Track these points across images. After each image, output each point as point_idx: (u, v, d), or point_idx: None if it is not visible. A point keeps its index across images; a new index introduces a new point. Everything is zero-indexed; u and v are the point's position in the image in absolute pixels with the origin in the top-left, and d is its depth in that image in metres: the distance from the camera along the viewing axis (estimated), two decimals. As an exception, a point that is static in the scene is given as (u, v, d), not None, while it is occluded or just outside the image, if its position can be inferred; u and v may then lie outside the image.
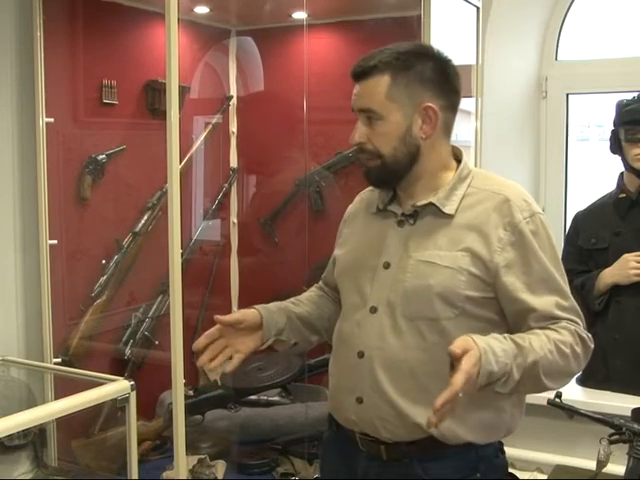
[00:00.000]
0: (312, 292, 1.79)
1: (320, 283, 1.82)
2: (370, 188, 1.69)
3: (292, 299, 1.73)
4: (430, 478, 1.50)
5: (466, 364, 1.27)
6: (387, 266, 1.53)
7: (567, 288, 1.50)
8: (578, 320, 1.48)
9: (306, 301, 1.74)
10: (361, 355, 1.52)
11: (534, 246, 1.46)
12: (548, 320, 1.45)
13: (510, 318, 1.49)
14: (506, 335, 1.42)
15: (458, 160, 1.57)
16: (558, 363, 1.42)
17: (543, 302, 1.45)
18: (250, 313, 1.63)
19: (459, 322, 1.46)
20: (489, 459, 1.54)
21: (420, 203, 1.52)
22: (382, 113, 1.48)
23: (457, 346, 1.29)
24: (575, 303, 1.50)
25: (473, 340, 1.32)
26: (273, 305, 1.67)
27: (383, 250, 1.55)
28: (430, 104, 1.49)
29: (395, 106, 1.48)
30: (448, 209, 1.50)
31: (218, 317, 1.59)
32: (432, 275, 1.47)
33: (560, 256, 1.55)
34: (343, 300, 1.64)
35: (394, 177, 1.53)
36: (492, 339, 1.37)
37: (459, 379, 1.25)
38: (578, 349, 1.45)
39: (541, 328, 1.44)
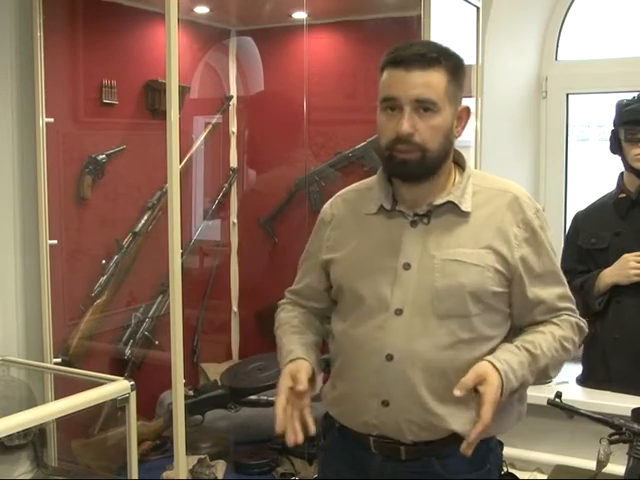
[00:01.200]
0: (298, 313, 1.72)
1: (291, 297, 1.75)
2: (352, 188, 1.68)
3: (296, 328, 1.66)
4: (447, 473, 1.52)
5: (490, 395, 1.38)
6: (407, 267, 1.52)
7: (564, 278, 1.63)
8: (574, 307, 1.60)
9: (306, 330, 1.67)
10: (390, 358, 1.50)
11: (543, 240, 1.54)
12: (552, 313, 1.56)
13: (516, 310, 1.56)
14: (519, 345, 1.50)
15: (453, 160, 1.59)
16: (562, 357, 1.55)
17: (550, 294, 1.55)
18: (307, 368, 1.55)
19: (483, 317, 1.51)
20: (495, 449, 1.60)
21: (437, 202, 1.52)
22: (441, 106, 1.46)
23: (470, 377, 1.39)
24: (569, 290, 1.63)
25: (492, 364, 1.41)
26: (308, 349, 1.61)
27: (399, 251, 1.53)
28: (466, 105, 1.53)
29: (448, 102, 1.48)
30: (465, 207, 1.52)
31: (298, 387, 1.50)
32: (462, 273, 1.48)
33: (558, 256, 1.63)
34: (353, 304, 1.58)
35: (430, 171, 1.51)
36: (509, 354, 1.47)
37: (487, 412, 1.36)
38: (577, 339, 1.58)
39: (544, 321, 1.55)
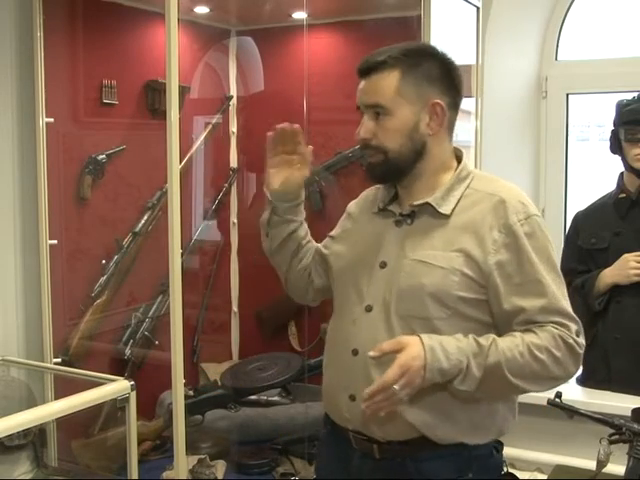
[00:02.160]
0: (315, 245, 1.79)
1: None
2: (376, 186, 1.69)
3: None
4: (423, 477, 1.50)
5: (401, 359, 1.35)
6: (383, 265, 1.54)
7: (560, 291, 1.47)
8: (569, 323, 1.45)
9: (311, 244, 1.76)
10: (355, 353, 1.53)
11: (527, 248, 1.45)
12: (532, 323, 1.44)
13: (497, 319, 1.49)
14: (470, 335, 1.42)
15: (459, 161, 1.58)
16: (531, 366, 1.40)
17: (530, 305, 1.43)
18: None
19: (452, 322, 1.46)
20: (482, 458, 1.54)
21: (417, 203, 1.53)
22: (391, 108, 1.49)
23: (389, 342, 1.38)
24: (568, 306, 1.47)
25: (419, 338, 1.38)
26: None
27: (381, 249, 1.56)
28: (438, 100, 1.50)
29: (404, 102, 1.49)
30: (444, 209, 1.51)
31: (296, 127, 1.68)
32: (425, 275, 1.47)
33: (559, 257, 1.55)
34: (340, 297, 1.64)
35: (397, 173, 1.54)
36: (450, 338, 1.41)
37: (391, 372, 1.33)
38: (558, 353, 1.42)
39: (524, 330, 1.43)
